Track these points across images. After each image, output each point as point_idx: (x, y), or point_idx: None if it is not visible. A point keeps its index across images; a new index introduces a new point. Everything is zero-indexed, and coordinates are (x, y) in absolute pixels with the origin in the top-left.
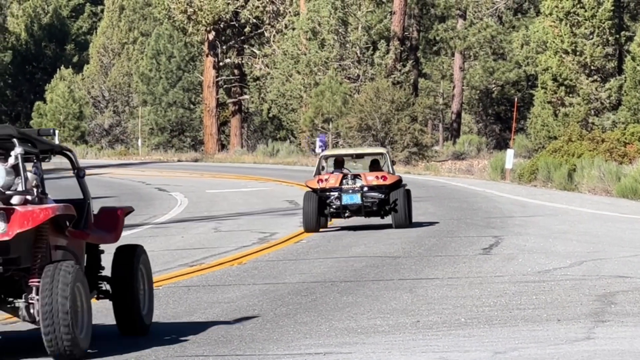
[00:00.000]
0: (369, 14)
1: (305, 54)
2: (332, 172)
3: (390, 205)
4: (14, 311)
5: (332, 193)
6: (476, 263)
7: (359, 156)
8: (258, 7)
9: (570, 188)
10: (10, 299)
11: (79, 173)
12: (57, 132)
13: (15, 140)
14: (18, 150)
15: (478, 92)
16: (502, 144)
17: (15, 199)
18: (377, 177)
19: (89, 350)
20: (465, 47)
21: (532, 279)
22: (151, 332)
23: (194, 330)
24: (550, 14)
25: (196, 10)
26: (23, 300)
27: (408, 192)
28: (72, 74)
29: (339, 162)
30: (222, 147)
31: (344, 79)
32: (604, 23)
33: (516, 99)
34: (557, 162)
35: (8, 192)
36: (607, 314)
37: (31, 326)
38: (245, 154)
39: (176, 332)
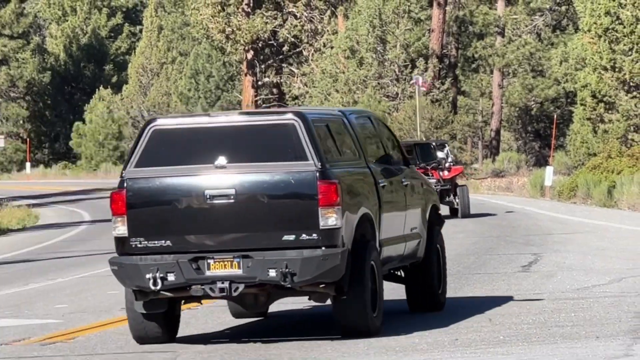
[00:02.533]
0: (407, 32)
1: (343, 73)
2: None
3: None
4: (449, 203)
5: None
6: (515, 280)
7: None
8: (296, 26)
9: (609, 205)
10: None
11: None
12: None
13: (445, 144)
14: (447, 148)
15: (517, 109)
16: (541, 161)
17: (446, 165)
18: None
19: None
20: (504, 64)
21: (571, 296)
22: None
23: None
24: (589, 30)
25: (234, 29)
26: (451, 199)
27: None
28: (111, 94)
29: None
30: None
31: (382, 97)
32: None
33: (555, 116)
34: (597, 179)
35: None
36: None
37: None
38: None
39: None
